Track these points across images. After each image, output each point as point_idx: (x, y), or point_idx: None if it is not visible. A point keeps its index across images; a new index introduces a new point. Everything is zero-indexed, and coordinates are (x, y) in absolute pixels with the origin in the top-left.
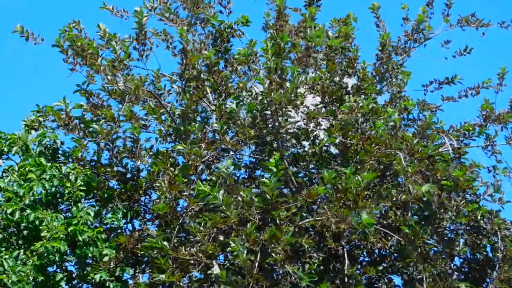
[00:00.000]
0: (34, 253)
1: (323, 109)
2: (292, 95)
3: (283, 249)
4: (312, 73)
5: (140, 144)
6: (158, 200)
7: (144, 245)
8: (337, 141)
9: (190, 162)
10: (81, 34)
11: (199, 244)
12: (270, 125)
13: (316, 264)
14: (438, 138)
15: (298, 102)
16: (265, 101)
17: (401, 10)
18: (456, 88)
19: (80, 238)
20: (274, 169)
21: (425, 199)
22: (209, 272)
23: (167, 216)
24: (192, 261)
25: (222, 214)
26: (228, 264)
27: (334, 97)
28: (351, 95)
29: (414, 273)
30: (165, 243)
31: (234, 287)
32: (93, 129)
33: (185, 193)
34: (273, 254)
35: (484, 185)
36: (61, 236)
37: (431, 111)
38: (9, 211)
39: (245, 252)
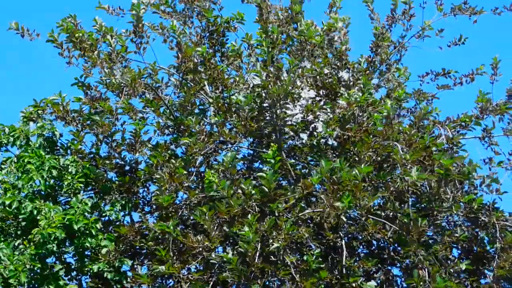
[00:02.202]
0: (32, 243)
1: (321, 102)
2: (290, 88)
3: (284, 238)
4: (308, 65)
5: (140, 137)
6: (158, 192)
7: (153, 230)
8: (335, 133)
9: (192, 155)
10: (78, 28)
11: (204, 234)
12: (268, 118)
13: (314, 256)
14: (433, 127)
15: (296, 96)
16: (263, 94)
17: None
18: (451, 77)
19: (75, 227)
20: (272, 161)
21: (421, 186)
22: (221, 255)
23: (167, 208)
24: (200, 249)
25: (226, 204)
26: (234, 251)
27: (329, 90)
28: (345, 88)
29: (415, 261)
30: (178, 228)
31: (240, 274)
32: (94, 121)
33: (185, 185)
34: (273, 243)
35: (479, 178)
36: (58, 225)
37: (427, 100)
38: (7, 202)
39: (252, 239)
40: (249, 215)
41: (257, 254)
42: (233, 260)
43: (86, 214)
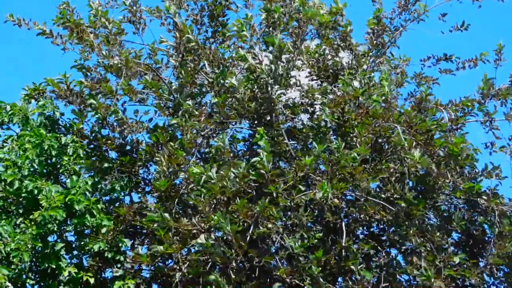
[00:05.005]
0: (33, 222)
1: (319, 85)
2: (281, 69)
3: (275, 222)
4: (308, 46)
5: (127, 120)
6: (157, 175)
7: (143, 220)
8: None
9: (188, 136)
10: (73, 14)
11: (200, 215)
12: (264, 99)
13: (314, 237)
14: (436, 111)
15: (292, 81)
16: (252, 76)
17: None
18: (454, 61)
19: (76, 208)
20: (262, 143)
21: (421, 172)
22: (193, 242)
23: (166, 191)
24: (194, 231)
25: (220, 185)
26: (225, 237)
27: (329, 73)
28: (345, 71)
29: (411, 246)
30: (166, 214)
31: (222, 258)
32: (91, 104)
33: (182, 167)
34: (261, 227)
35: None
36: (59, 205)
37: (428, 84)
38: (8, 180)
39: (229, 224)
40: (237, 198)
41: (248, 238)
42: (206, 244)
43: (86, 193)
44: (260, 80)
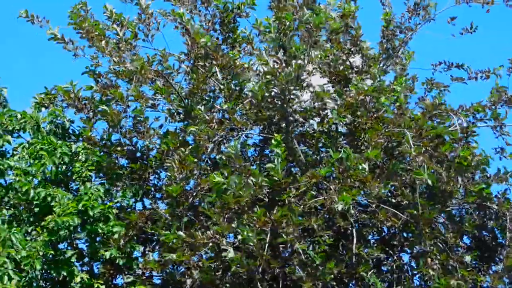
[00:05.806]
0: (45, 229)
1: (331, 89)
2: (297, 74)
3: (293, 229)
4: (319, 52)
5: (147, 124)
6: (169, 181)
7: (154, 226)
8: (346, 120)
9: (201, 142)
10: (88, 15)
11: (213, 225)
12: (278, 104)
13: (325, 243)
14: (448, 119)
15: (305, 84)
16: (272, 81)
17: None
18: (465, 69)
19: (91, 213)
20: (278, 150)
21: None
22: (223, 254)
23: (177, 197)
24: (210, 243)
25: (235, 194)
26: (238, 243)
27: (340, 77)
28: (356, 75)
29: (423, 249)
30: (180, 233)
31: (246, 269)
32: (102, 110)
33: (195, 173)
34: (284, 235)
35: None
36: (73, 211)
37: (439, 90)
38: (24, 189)
39: (255, 236)
40: (256, 207)
41: (266, 246)
42: (235, 258)
43: (99, 200)
44: (278, 85)
